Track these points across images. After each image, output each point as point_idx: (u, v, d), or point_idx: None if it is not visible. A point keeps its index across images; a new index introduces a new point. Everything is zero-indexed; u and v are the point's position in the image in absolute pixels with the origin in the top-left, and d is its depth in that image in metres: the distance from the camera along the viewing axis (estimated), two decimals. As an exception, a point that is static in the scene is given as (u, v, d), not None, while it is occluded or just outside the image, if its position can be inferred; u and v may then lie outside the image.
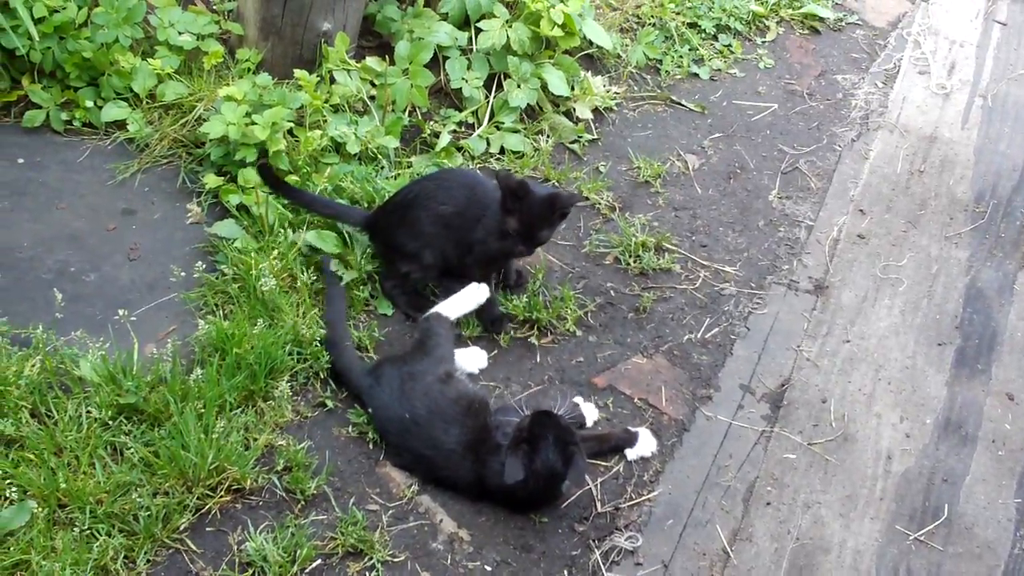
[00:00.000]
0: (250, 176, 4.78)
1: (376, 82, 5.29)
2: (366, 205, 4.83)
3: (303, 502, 3.83)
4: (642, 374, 4.46)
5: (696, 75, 6.30)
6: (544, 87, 5.59)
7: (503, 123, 5.49)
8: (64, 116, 5.14)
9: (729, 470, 4.14)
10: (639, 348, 4.57)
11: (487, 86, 5.54)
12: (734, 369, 4.53)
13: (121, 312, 4.19)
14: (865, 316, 4.81)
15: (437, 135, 5.29)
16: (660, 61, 6.30)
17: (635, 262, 4.92)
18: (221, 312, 4.39)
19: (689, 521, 3.96)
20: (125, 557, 3.58)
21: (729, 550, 3.87)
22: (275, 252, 4.50)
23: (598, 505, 3.97)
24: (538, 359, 4.47)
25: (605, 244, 5.02)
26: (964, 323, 4.82)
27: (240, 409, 4.05)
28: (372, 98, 5.27)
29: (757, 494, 4.06)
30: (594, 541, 3.86)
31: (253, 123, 4.81)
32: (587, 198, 5.24)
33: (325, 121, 5.09)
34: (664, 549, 3.86)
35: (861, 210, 5.40)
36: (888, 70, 6.54)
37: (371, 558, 3.69)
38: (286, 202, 4.77)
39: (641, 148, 5.64)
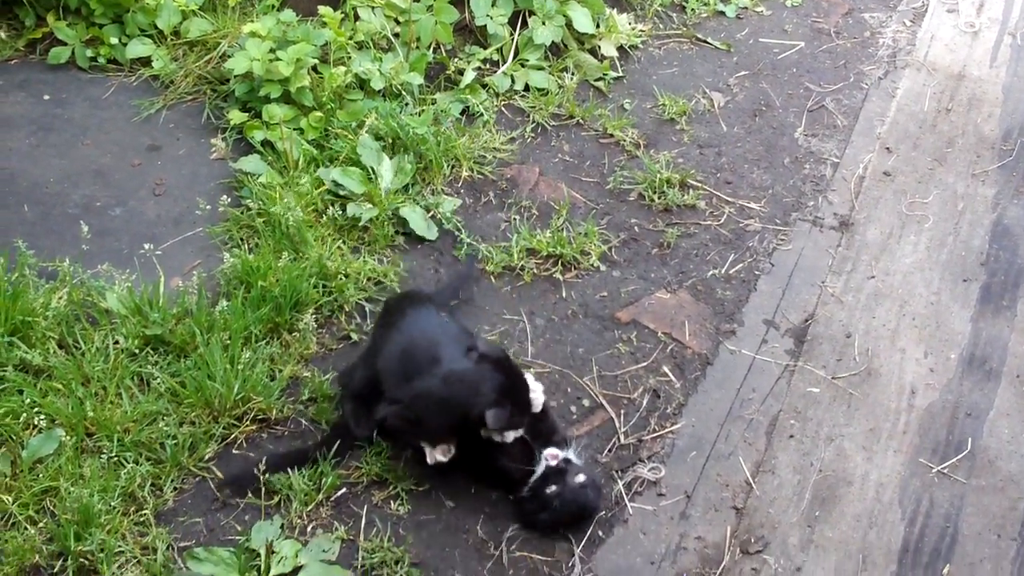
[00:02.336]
0: (274, 112, 4.79)
1: (400, 19, 5.27)
2: (390, 141, 4.84)
3: (328, 432, 3.86)
4: (666, 309, 4.46)
5: (722, 13, 6.26)
6: (569, 24, 5.57)
7: (528, 60, 5.47)
8: (89, 53, 5.17)
9: (752, 403, 4.14)
10: (663, 283, 4.57)
11: (512, 23, 5.52)
12: (758, 304, 4.53)
13: (147, 246, 4.24)
14: (890, 252, 4.79)
15: (461, 72, 5.29)
16: (686, -1, 6.28)
17: (659, 198, 4.91)
18: (246, 246, 4.41)
19: (712, 453, 3.97)
20: (152, 484, 3.63)
21: (752, 482, 3.88)
22: (301, 184, 4.52)
23: (621, 437, 3.98)
24: (562, 293, 4.48)
25: (629, 181, 5.01)
26: (990, 260, 4.80)
27: (265, 341, 4.08)
28: (396, 35, 5.26)
29: (780, 427, 4.07)
30: (617, 472, 3.88)
31: (277, 59, 4.82)
32: (611, 135, 5.23)
33: (349, 58, 5.09)
34: (687, 480, 3.87)
35: (888, 148, 5.37)
36: (916, 8, 6.48)
37: (395, 487, 3.72)
38: (311, 138, 4.79)
39: (666, 86, 5.61)
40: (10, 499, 3.50)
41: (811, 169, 5.21)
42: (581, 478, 3.64)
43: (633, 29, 5.87)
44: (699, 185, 5.02)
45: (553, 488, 3.61)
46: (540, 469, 3.66)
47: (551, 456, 3.66)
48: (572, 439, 3.88)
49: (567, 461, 3.68)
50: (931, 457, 4.01)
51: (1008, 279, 4.70)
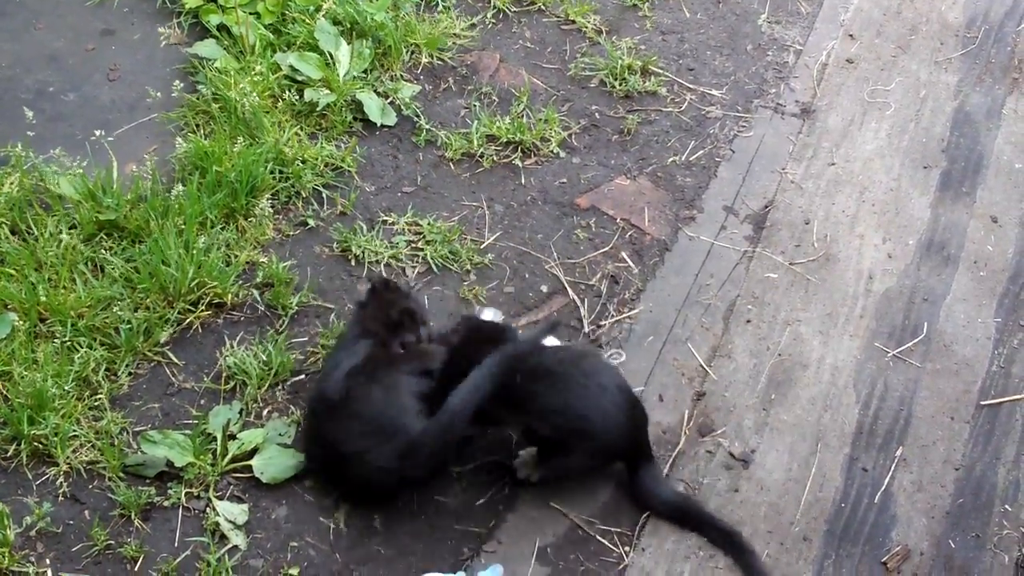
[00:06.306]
0: (230, -6, 4.72)
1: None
2: (349, 26, 4.77)
3: (284, 318, 3.85)
4: (625, 195, 4.44)
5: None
6: (531, -93, 5.47)
7: (489, -56, 5.39)
8: (40, -65, 5.05)
9: (710, 289, 4.15)
10: (623, 170, 4.55)
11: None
12: (718, 191, 4.51)
13: (100, 132, 4.19)
14: (851, 139, 4.78)
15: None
16: None
17: (620, 85, 4.87)
18: (202, 132, 4.36)
19: (669, 338, 3.98)
20: (107, 369, 3.62)
21: (708, 366, 3.90)
22: (256, 72, 4.46)
23: (585, 323, 3.99)
24: (522, 180, 4.45)
25: (590, 67, 4.96)
26: (951, 146, 4.79)
27: (221, 227, 4.05)
28: (355, -82, 5.16)
29: (737, 312, 4.08)
30: (574, 357, 3.89)
31: (233, -61, 4.72)
32: (573, 21, 5.17)
33: (307, -60, 4.99)
34: (643, 364, 3.88)
35: (851, 35, 5.32)
36: None
37: (352, 371, 3.72)
38: (268, 23, 4.72)
39: (629, -29, 5.55)
40: (-38, 383, 3.50)
41: (774, 56, 5.17)
42: None
43: (596, -86, 5.77)
44: (661, 72, 4.98)
45: None
46: None
47: None
48: None
49: None
50: (887, 341, 4.03)
51: (968, 165, 4.70)
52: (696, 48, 5.15)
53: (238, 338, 3.78)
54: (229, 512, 3.33)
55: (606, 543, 3.42)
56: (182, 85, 4.41)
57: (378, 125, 4.57)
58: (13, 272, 3.77)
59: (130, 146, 4.33)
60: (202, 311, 3.81)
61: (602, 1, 5.32)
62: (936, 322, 4.11)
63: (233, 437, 3.49)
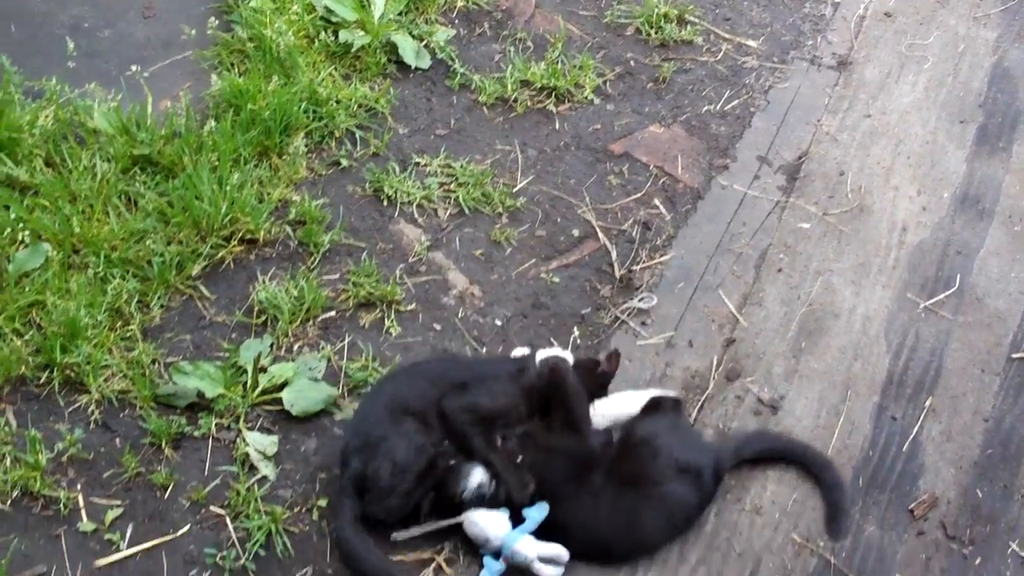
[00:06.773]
0: (266, -66, 4.70)
1: None
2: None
3: (316, 255, 3.86)
4: (659, 142, 4.42)
5: None
6: None
7: None
8: None
9: (742, 237, 4.13)
10: (657, 117, 4.53)
11: None
12: (752, 141, 4.49)
13: (135, 68, 4.18)
14: (888, 92, 4.74)
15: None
16: None
17: (656, 33, 4.85)
18: (236, 70, 4.36)
19: (700, 285, 3.97)
20: (139, 301, 3.64)
21: (738, 313, 3.88)
22: (292, 12, 4.45)
23: (616, 268, 3.98)
24: (555, 125, 4.44)
25: (626, 15, 4.94)
26: (988, 102, 4.75)
27: (254, 164, 4.05)
28: None
29: (769, 261, 4.06)
30: (608, 299, 3.88)
31: None
32: (610, -31, 5.14)
33: None
34: (673, 311, 3.87)
35: (889, -11, 5.29)
36: None
37: (383, 309, 3.72)
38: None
39: (667, -80, 5.51)
40: (-4, 311, 3.52)
41: (811, 8, 5.13)
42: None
43: None
44: (697, 21, 4.95)
45: None
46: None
47: None
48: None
49: None
50: (919, 293, 4.01)
51: (1005, 121, 4.66)
52: (733, -2, 5.13)
53: (270, 274, 3.78)
54: (259, 443, 3.34)
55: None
56: (217, 23, 4.40)
57: (412, 68, 4.58)
58: (47, 204, 3.79)
59: (164, 83, 4.33)
60: (234, 246, 3.82)
61: (639, -50, 5.29)
62: (969, 275, 4.08)
63: (264, 370, 3.50)
